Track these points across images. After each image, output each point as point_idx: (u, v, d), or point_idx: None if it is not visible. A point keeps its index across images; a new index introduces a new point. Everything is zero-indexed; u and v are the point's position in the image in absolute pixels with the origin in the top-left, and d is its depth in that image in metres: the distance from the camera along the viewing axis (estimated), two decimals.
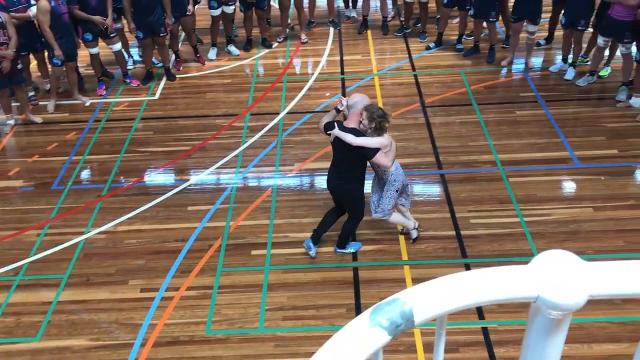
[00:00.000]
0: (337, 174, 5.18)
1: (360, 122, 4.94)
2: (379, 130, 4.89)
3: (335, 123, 5.04)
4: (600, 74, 8.00)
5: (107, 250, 5.74)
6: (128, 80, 8.55)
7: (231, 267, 5.48)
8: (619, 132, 6.94)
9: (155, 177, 6.71)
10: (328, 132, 5.04)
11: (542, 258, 0.88)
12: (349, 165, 5.07)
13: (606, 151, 6.65)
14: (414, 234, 5.60)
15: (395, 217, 5.42)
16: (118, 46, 8.21)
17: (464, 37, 8.97)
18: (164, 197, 6.35)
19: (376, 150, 4.87)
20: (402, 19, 9.69)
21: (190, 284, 5.33)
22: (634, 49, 7.20)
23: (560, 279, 0.84)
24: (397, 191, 5.19)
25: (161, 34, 8.17)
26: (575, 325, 4.69)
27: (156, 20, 8.00)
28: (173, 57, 8.94)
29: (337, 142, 4.98)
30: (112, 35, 8.02)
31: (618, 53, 7.64)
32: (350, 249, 5.55)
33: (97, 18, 7.69)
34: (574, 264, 0.86)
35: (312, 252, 5.48)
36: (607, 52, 7.78)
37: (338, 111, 5.17)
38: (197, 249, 5.68)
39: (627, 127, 7.03)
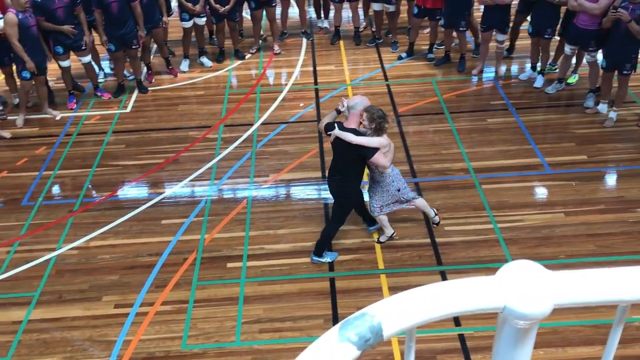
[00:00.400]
0: (336, 174, 5.26)
1: (361, 122, 5.07)
2: (378, 131, 5.01)
3: (336, 124, 5.12)
4: (568, 81, 8.16)
5: (79, 266, 5.64)
6: (99, 94, 8.46)
7: (206, 280, 5.43)
8: (587, 138, 7.08)
9: (128, 191, 6.63)
10: (328, 133, 5.13)
11: (507, 268, 0.89)
12: (348, 164, 5.17)
13: (576, 157, 6.78)
14: (384, 239, 5.72)
15: (384, 219, 5.55)
16: (88, 58, 8.12)
17: (435, 46, 9.08)
18: (137, 211, 6.28)
19: (375, 150, 4.97)
20: (373, 29, 9.78)
21: (165, 298, 5.26)
22: (599, 56, 7.36)
23: (526, 289, 0.85)
24: (398, 190, 5.35)
25: (133, 46, 8.11)
26: (550, 329, 4.76)
27: (128, 32, 7.94)
28: (145, 69, 8.88)
29: (337, 142, 5.08)
30: (83, 48, 7.94)
31: (584, 61, 7.81)
32: (326, 259, 5.55)
33: (66, 28, 7.59)
34: (539, 274, 0.87)
35: (328, 258, 5.54)
36: (574, 60, 7.95)
37: (339, 112, 5.28)
38: (171, 262, 5.62)
39: (595, 133, 7.18)
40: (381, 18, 9.38)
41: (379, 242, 5.73)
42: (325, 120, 5.26)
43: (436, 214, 5.73)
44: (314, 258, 5.55)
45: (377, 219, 5.61)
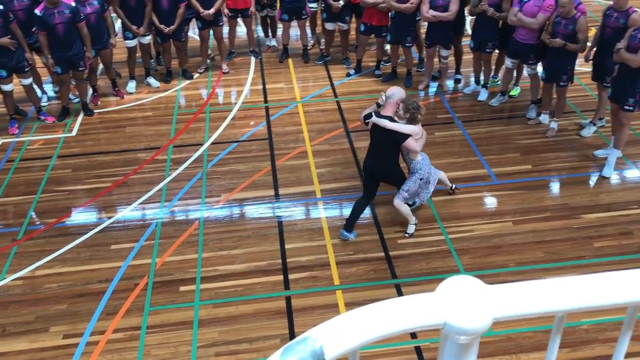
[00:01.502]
0: (374, 157, 5.81)
1: (397, 112, 5.63)
2: (412, 121, 5.58)
3: (373, 113, 5.68)
4: (511, 93, 8.42)
5: (24, 297, 5.43)
6: (42, 117, 8.22)
7: (159, 305, 5.30)
8: (531, 148, 7.30)
9: (75, 217, 6.44)
10: (366, 121, 5.71)
11: (446, 285, 0.90)
12: (384, 149, 5.71)
13: (521, 167, 6.98)
14: (411, 229, 6.01)
15: (407, 209, 5.92)
16: (29, 80, 7.89)
17: (382, 63, 9.23)
18: (85, 236, 6.10)
19: (407, 136, 5.51)
20: (322, 47, 9.88)
21: (117, 325, 5.11)
22: (539, 69, 7.64)
23: (465, 305, 0.86)
24: (421, 179, 5.77)
25: (80, 68, 7.93)
26: (504, 336, 4.85)
27: (75, 54, 7.76)
28: (91, 91, 8.69)
29: (374, 129, 5.67)
30: (27, 69, 7.71)
31: (525, 73, 8.08)
32: (351, 236, 5.95)
33: (5, 40, 7.32)
34: (478, 288, 0.89)
35: (353, 236, 5.96)
36: (515, 73, 8.22)
37: (379, 105, 5.77)
38: (122, 288, 5.48)
39: (538, 143, 7.42)
40: (332, 37, 9.47)
41: (407, 234, 6.00)
42: (365, 111, 5.82)
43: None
44: (344, 233, 5.94)
45: (398, 207, 5.86)
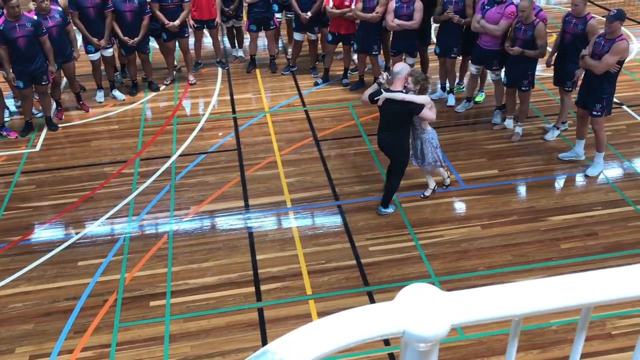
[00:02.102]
0: (387, 132, 6.07)
1: (405, 86, 5.93)
2: (422, 91, 5.96)
3: (382, 89, 5.97)
4: (476, 100, 8.56)
5: None
6: (5, 133, 8.04)
7: (129, 321, 5.21)
8: (497, 153, 7.42)
9: (40, 234, 6.30)
10: (375, 99, 5.99)
11: (405, 293, 0.91)
12: (398, 122, 5.98)
13: (488, 172, 7.08)
14: (447, 181, 6.71)
15: (442, 171, 6.52)
16: None
17: (349, 71, 9.29)
18: (51, 254, 5.97)
19: (422, 105, 5.82)
20: (289, 57, 9.90)
21: (86, 344, 5.00)
22: (503, 74, 7.78)
23: (423, 312, 0.87)
24: (436, 147, 6.23)
25: (43, 82, 7.78)
26: (476, 340, 4.89)
27: (38, 68, 7.61)
28: (54, 105, 8.54)
29: (387, 104, 5.94)
30: None
31: (489, 79, 8.22)
32: (390, 209, 6.34)
33: None
34: (435, 296, 0.89)
35: (392, 209, 6.38)
36: (479, 79, 8.36)
37: (380, 84, 6.06)
38: (90, 305, 5.37)
39: (504, 147, 7.54)
40: (300, 47, 9.50)
41: (446, 187, 6.67)
42: (367, 92, 6.12)
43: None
44: (381, 210, 6.33)
45: (439, 173, 6.53)
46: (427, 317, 0.85)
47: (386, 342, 4.90)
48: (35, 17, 7.51)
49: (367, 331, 0.84)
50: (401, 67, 6.08)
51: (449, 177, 6.74)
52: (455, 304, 0.87)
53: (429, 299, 0.88)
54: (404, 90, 5.95)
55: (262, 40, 9.98)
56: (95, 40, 8.28)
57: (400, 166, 6.25)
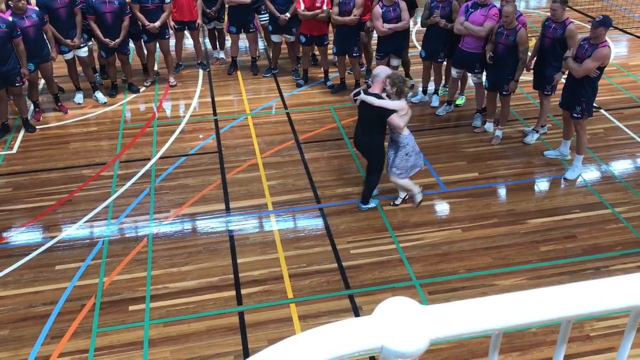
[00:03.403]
0: (362, 132, 6.18)
1: (384, 88, 5.94)
2: (400, 94, 5.90)
3: (361, 90, 6.08)
4: (457, 103, 8.61)
5: None
6: None
7: (108, 326, 5.14)
8: (477, 156, 7.47)
9: (17, 237, 6.19)
10: (355, 98, 6.10)
11: (382, 308, 0.89)
12: (371, 122, 6.04)
13: (468, 174, 7.13)
14: (419, 197, 6.44)
15: (406, 182, 6.29)
16: None
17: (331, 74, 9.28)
18: (27, 258, 5.87)
19: (392, 111, 5.86)
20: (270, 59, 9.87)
21: (63, 349, 4.92)
22: (484, 78, 7.83)
23: (401, 327, 0.86)
24: (407, 155, 6.10)
25: (17, 84, 7.65)
26: (457, 343, 4.91)
27: (10, 69, 7.49)
28: (32, 107, 8.41)
29: (362, 105, 6.02)
30: None
31: (470, 83, 8.27)
32: (372, 204, 6.41)
33: None
34: (413, 310, 0.88)
35: (373, 204, 6.46)
36: (459, 83, 8.40)
37: (369, 86, 6.11)
38: (68, 310, 5.29)
39: (484, 150, 7.60)
40: (279, 49, 9.47)
41: (417, 204, 6.46)
42: (355, 90, 6.28)
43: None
44: (362, 206, 6.42)
45: (396, 181, 6.30)
46: (405, 332, 0.84)
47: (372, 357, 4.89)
48: (10, 19, 7.38)
49: (345, 347, 0.82)
50: (380, 70, 6.11)
51: (420, 192, 6.46)
52: (433, 319, 0.86)
53: (407, 314, 0.87)
54: (381, 93, 5.97)
55: (244, 42, 9.93)
56: (68, 41, 8.16)
57: (376, 164, 6.29)
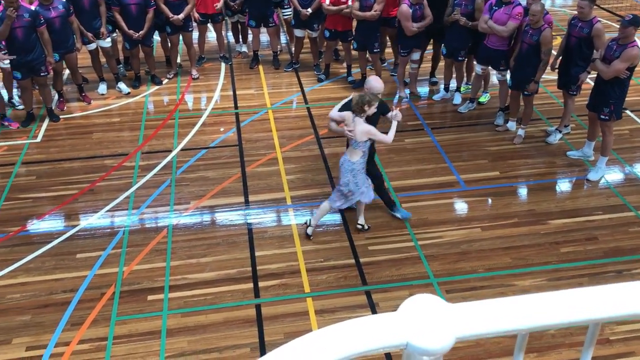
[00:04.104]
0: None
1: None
2: (360, 112, 5.46)
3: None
4: (480, 100, 8.53)
5: None
6: (6, 123, 8.03)
7: (126, 315, 5.20)
8: (499, 155, 7.40)
9: (39, 225, 6.28)
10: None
11: (408, 304, 0.89)
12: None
13: (489, 173, 7.06)
14: (309, 230, 6.02)
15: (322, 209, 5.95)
16: None
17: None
18: (49, 245, 5.96)
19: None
20: (292, 54, 9.88)
21: (82, 336, 4.99)
22: (508, 76, 7.75)
23: (427, 324, 0.85)
24: (354, 177, 5.71)
25: (42, 74, 7.76)
26: (473, 342, 4.88)
27: (35, 59, 7.59)
28: (56, 96, 8.52)
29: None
30: None
31: (495, 80, 8.19)
32: (399, 214, 6.20)
33: None
34: (440, 308, 0.88)
35: (402, 214, 6.21)
36: (483, 80, 8.33)
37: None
38: (88, 298, 5.36)
39: (506, 149, 7.52)
40: (301, 43, 9.47)
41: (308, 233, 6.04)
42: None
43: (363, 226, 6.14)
44: (393, 213, 6.22)
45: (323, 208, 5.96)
46: (431, 329, 0.84)
47: (388, 355, 4.89)
48: (33, 8, 7.47)
49: (369, 342, 0.82)
50: (370, 85, 5.71)
51: (312, 229, 6.03)
52: (460, 316, 0.86)
53: (433, 311, 0.86)
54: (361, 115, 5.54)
55: (266, 36, 9.95)
56: (90, 34, 8.23)
57: (376, 180, 6.02)
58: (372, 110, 5.46)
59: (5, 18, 7.25)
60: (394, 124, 5.58)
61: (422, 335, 0.82)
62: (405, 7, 7.86)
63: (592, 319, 0.88)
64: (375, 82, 5.71)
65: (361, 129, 5.50)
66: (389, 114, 5.69)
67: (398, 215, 6.24)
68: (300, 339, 0.81)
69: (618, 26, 6.44)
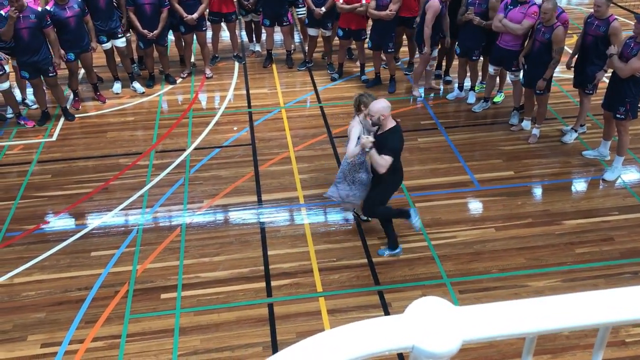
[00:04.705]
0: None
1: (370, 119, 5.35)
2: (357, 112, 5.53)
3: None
4: (494, 100, 8.47)
5: (2, 305, 5.33)
6: (22, 122, 8.11)
7: (140, 313, 5.24)
8: (514, 155, 7.34)
9: (54, 223, 6.35)
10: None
11: (415, 306, 0.88)
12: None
13: (503, 173, 7.01)
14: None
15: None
16: (6, 85, 7.76)
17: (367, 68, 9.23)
18: (64, 243, 6.01)
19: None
20: (306, 52, 9.87)
21: (96, 334, 5.04)
22: (521, 75, 7.67)
23: (433, 327, 0.84)
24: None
25: (50, 74, 7.80)
26: (487, 343, 4.85)
27: (42, 59, 7.61)
28: (71, 95, 8.60)
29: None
30: (1, 72, 7.59)
31: (508, 80, 8.13)
32: (395, 251, 5.80)
33: None
34: (446, 310, 0.87)
35: (417, 222, 5.71)
36: (498, 80, 8.27)
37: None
38: (102, 296, 5.40)
39: (520, 149, 7.46)
40: (315, 42, 9.47)
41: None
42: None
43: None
44: (381, 252, 5.85)
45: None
46: (437, 332, 0.83)
47: (400, 356, 4.87)
48: (39, 9, 7.50)
49: (375, 345, 0.81)
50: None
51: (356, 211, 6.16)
52: (467, 319, 0.85)
53: (440, 314, 0.86)
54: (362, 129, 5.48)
55: (279, 35, 9.96)
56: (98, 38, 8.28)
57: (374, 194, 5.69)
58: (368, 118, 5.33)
59: (54, 13, 7.35)
60: (359, 142, 5.32)
61: (428, 338, 0.81)
62: (436, 3, 7.73)
63: (600, 323, 0.87)
64: (377, 105, 5.24)
65: (350, 128, 5.54)
66: (361, 136, 5.36)
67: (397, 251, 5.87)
68: (307, 341, 0.81)
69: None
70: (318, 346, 0.79)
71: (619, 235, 6.03)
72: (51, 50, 7.71)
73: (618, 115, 6.54)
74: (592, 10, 6.97)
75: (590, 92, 7.24)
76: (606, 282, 5.48)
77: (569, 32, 7.58)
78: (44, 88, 8.19)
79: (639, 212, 6.35)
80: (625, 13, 11.64)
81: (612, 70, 6.59)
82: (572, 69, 7.35)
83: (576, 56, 7.26)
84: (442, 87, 9.04)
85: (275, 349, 4.89)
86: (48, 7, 7.67)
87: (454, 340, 0.81)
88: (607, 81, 6.83)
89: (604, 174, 6.88)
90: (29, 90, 8.73)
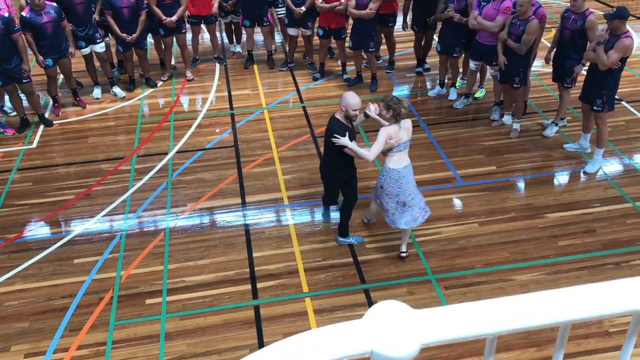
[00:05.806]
0: (323, 159, 5.85)
1: (380, 112, 5.28)
2: (396, 117, 5.20)
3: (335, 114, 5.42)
4: (475, 96, 8.51)
5: None
6: (1, 130, 8.02)
7: (125, 319, 5.20)
8: (495, 150, 7.38)
9: (36, 231, 6.28)
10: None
11: (373, 311, 0.88)
12: (329, 151, 5.50)
13: (486, 168, 7.05)
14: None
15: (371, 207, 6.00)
16: None
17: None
18: (47, 251, 5.96)
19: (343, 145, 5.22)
20: (287, 53, 9.86)
21: (81, 342, 4.99)
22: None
23: (392, 332, 0.84)
24: (381, 188, 5.49)
25: (24, 81, 7.70)
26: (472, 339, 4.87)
27: (14, 66, 7.51)
28: (51, 102, 8.51)
29: (326, 132, 5.45)
30: None
31: (489, 75, 8.17)
32: (351, 240, 5.91)
33: None
34: (404, 314, 0.87)
35: (354, 240, 5.92)
36: (479, 75, 8.31)
37: (366, 116, 5.47)
38: (86, 303, 5.36)
39: (502, 144, 7.51)
40: (295, 42, 9.46)
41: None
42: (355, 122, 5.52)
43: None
44: (339, 240, 5.93)
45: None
46: (395, 336, 0.83)
47: None
48: (6, 15, 7.37)
49: (334, 351, 0.81)
50: (344, 95, 5.39)
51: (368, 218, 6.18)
52: (425, 323, 0.85)
53: (398, 318, 0.85)
54: (341, 117, 5.34)
55: (260, 36, 9.93)
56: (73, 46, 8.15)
57: (331, 190, 5.88)
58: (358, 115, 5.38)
59: (30, 19, 7.25)
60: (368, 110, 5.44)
61: (386, 343, 0.81)
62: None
63: (559, 322, 0.87)
64: (351, 98, 5.28)
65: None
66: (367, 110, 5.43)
67: (350, 240, 5.95)
68: (264, 350, 0.80)
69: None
70: (276, 355, 0.78)
71: (601, 226, 6.09)
72: (22, 57, 7.59)
73: (595, 108, 6.61)
74: (568, 4, 7.03)
75: (569, 85, 7.30)
76: (589, 273, 5.53)
77: (547, 26, 7.64)
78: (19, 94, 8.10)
79: (620, 203, 6.42)
80: (601, 6, 11.76)
81: (589, 63, 6.65)
82: (551, 63, 7.41)
83: (554, 50, 7.32)
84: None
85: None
86: (24, 13, 7.58)
87: (412, 344, 0.81)
88: (585, 74, 6.90)
89: (585, 166, 6.95)
90: (7, 98, 8.63)
